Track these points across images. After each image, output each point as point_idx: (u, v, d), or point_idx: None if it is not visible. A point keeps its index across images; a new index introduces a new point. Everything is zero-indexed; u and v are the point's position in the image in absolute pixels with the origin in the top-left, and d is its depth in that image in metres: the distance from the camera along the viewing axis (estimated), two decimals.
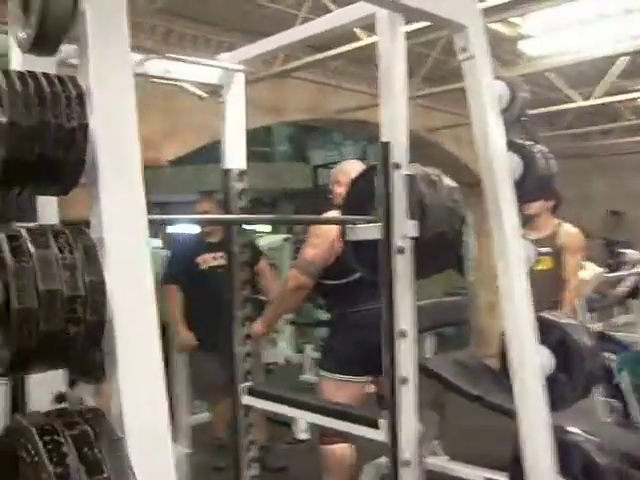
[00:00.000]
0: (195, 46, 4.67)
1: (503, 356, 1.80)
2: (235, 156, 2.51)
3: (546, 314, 1.83)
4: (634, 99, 6.81)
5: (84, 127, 0.96)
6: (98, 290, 0.91)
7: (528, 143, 1.94)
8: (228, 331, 2.55)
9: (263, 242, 7.46)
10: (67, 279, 0.90)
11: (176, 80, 2.47)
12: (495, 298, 4.59)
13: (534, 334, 1.74)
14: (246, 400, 2.54)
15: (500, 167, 1.77)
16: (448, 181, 2.10)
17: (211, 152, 4.45)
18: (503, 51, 5.77)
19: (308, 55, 4.39)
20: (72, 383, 1.64)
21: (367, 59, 5.27)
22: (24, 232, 0.92)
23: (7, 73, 0.97)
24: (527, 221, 4.22)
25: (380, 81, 1.94)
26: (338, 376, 3.04)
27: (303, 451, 3.48)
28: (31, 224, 0.99)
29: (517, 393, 1.75)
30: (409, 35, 3.85)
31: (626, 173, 7.71)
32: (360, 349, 2.94)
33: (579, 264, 4.09)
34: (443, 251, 2.04)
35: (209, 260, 4.18)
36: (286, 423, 4.64)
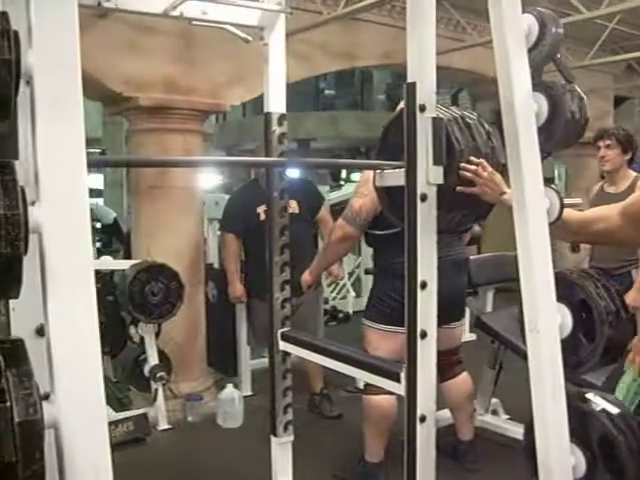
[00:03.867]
0: None
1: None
2: (276, 100, 2.47)
3: (568, 271, 1.68)
4: None
5: (7, 62, 0.93)
6: (13, 223, 0.89)
7: (558, 83, 1.75)
8: (268, 277, 2.55)
9: (335, 194, 7.42)
10: None
11: (215, 22, 2.43)
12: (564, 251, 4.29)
13: (552, 291, 1.62)
14: (282, 346, 2.54)
15: (522, 109, 1.61)
16: (487, 126, 1.97)
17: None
18: None
19: None
20: None
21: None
22: None
23: None
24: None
25: (408, 18, 1.82)
26: (382, 326, 2.99)
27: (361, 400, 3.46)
28: None
29: (531, 353, 1.63)
30: None
31: None
32: (403, 300, 2.87)
33: None
34: (475, 200, 1.93)
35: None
36: None
